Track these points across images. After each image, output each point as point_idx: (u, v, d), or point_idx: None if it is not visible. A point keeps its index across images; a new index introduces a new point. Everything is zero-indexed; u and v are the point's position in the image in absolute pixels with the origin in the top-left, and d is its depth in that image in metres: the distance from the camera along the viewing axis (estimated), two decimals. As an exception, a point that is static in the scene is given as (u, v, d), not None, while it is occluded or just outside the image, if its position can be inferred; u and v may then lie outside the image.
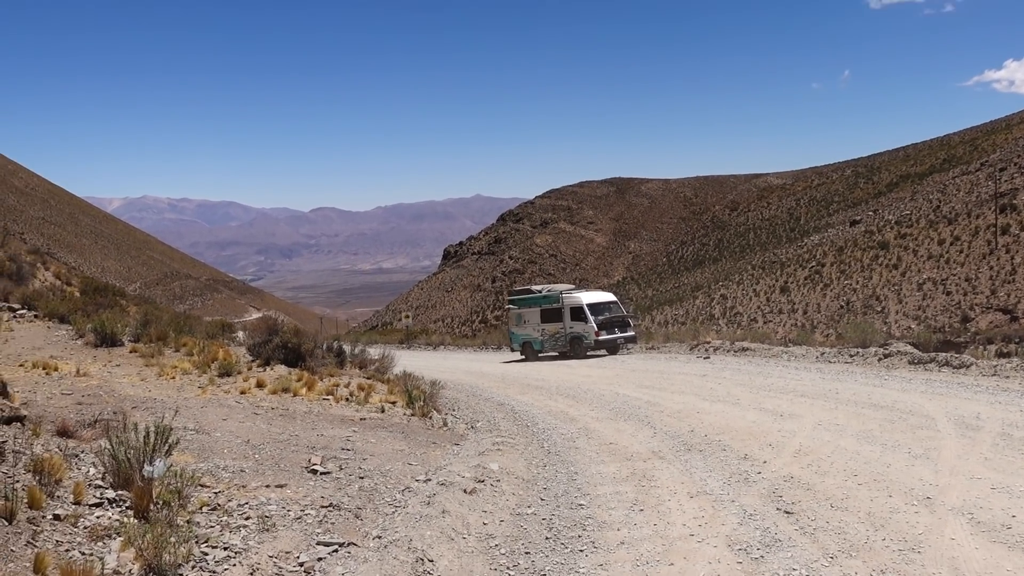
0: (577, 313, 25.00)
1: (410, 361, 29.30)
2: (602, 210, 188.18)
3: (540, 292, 27.98)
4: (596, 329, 24.22)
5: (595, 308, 25.06)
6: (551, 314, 26.05)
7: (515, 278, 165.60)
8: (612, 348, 25.02)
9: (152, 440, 6.12)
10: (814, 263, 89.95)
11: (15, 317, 18.74)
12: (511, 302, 29.25)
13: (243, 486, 6.99)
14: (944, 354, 13.29)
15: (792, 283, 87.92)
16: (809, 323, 77.86)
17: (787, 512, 6.11)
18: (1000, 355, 13.58)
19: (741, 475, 7.40)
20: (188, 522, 5.36)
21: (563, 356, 25.28)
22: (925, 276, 72.00)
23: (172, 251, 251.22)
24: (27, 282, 23.69)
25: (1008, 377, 11.85)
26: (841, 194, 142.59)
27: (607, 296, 27.16)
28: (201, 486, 6.96)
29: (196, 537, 5.06)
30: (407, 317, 45.31)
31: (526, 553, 5.62)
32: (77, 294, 26.43)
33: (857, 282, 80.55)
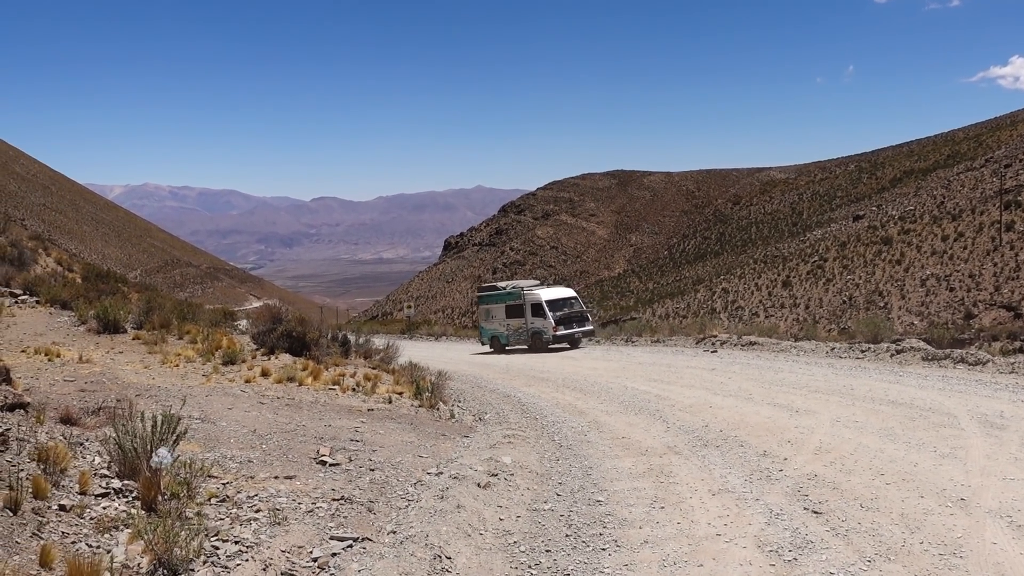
0: (537, 309, 25.74)
1: (413, 352, 29.11)
2: (604, 202, 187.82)
3: (505, 289, 28.58)
4: (554, 325, 25.00)
5: (553, 304, 25.80)
6: (514, 310, 26.78)
7: (516, 269, 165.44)
8: (572, 342, 25.60)
9: (160, 429, 5.92)
10: (816, 258, 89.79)
11: (17, 303, 18.54)
12: (480, 299, 30.00)
13: (251, 477, 6.79)
14: (959, 351, 13.06)
15: (794, 277, 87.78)
16: (811, 318, 77.68)
17: (815, 512, 5.90)
18: (1004, 352, 13.35)
19: (762, 472, 7.20)
20: (198, 514, 5.16)
21: (531, 349, 25.84)
22: (928, 272, 71.83)
23: (173, 239, 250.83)
24: (29, 268, 23.49)
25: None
26: (844, 189, 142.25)
27: (567, 292, 27.76)
28: (209, 476, 6.76)
29: (206, 530, 4.86)
30: (409, 307, 45.10)
31: (547, 551, 5.41)
32: (79, 280, 26.23)
33: (860, 277, 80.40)
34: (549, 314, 25.16)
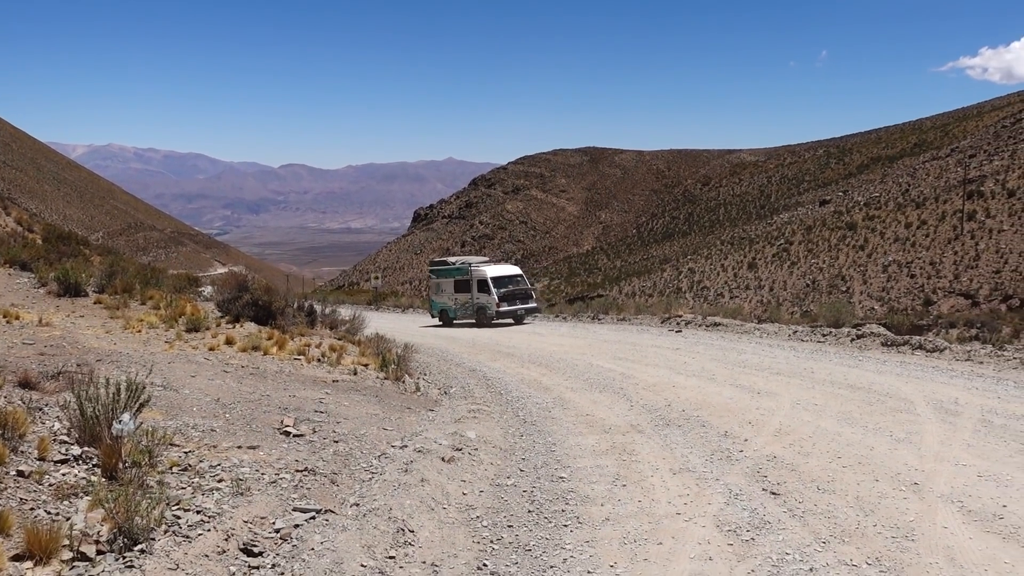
0: (482, 285, 26.53)
1: (380, 323, 29.03)
2: (575, 179, 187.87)
3: (454, 264, 29.31)
4: (497, 301, 25.83)
5: (498, 281, 26.61)
6: (462, 285, 27.60)
7: (485, 243, 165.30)
8: (516, 318, 26.46)
9: (123, 396, 5.85)
10: (782, 241, 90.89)
11: (-27, 262, 18.12)
12: (431, 272, 30.60)
13: (214, 446, 6.75)
14: (918, 337, 13.33)
15: (760, 260, 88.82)
16: (775, 300, 78.76)
17: (773, 493, 6.01)
18: (961, 340, 13.66)
19: (723, 453, 7.30)
20: (159, 483, 5.12)
21: (476, 324, 26.56)
22: (891, 258, 73.03)
23: (137, 202, 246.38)
24: (-15, 226, 22.94)
25: (982, 363, 11.88)
26: (812, 174, 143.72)
27: (513, 270, 28.75)
28: (171, 445, 6.70)
29: (168, 499, 4.82)
30: (376, 278, 44.85)
31: (509, 527, 5.45)
32: (39, 241, 25.71)
33: (824, 261, 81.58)
34: (493, 290, 25.90)
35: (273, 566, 4.26)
